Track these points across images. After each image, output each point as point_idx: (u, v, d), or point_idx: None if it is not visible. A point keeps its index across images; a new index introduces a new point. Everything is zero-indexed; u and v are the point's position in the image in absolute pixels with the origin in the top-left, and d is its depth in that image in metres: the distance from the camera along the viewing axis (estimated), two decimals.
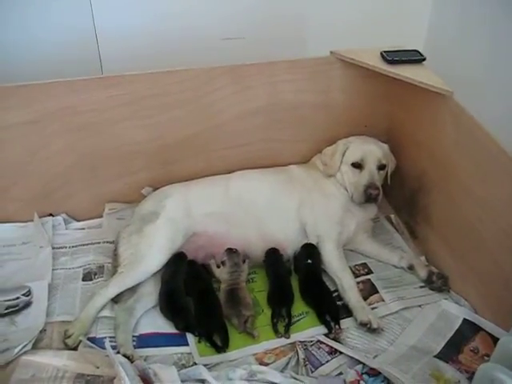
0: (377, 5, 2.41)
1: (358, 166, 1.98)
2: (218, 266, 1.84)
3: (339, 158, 2.01)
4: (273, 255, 1.88)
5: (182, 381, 1.42)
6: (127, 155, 2.04)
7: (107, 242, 1.99)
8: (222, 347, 1.61)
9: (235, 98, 2.02)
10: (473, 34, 2.25)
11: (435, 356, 1.59)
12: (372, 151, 1.98)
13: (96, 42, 2.24)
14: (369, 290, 1.84)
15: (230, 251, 1.85)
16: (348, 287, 1.78)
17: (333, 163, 2.02)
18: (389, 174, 2.04)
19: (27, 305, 1.72)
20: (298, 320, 1.73)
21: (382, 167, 1.99)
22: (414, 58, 1.97)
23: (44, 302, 1.72)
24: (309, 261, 1.84)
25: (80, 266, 1.90)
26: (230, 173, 2.07)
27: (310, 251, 1.87)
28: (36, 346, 1.59)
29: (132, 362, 1.50)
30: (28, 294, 1.74)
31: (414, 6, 2.44)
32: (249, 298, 1.74)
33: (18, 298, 1.71)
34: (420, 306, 1.79)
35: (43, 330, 1.64)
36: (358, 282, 1.83)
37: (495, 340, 1.59)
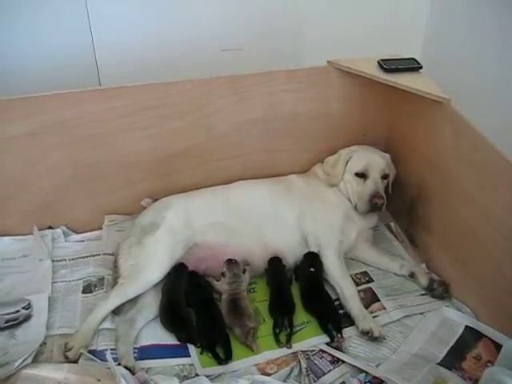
0: (373, 14, 2.43)
1: (361, 175, 1.99)
2: (218, 280, 1.83)
3: (342, 168, 2.02)
4: (275, 264, 1.88)
5: None
6: (127, 167, 2.04)
7: (107, 254, 1.99)
8: (224, 359, 1.60)
9: (234, 109, 2.03)
10: (469, 42, 2.27)
11: (438, 363, 1.59)
12: (376, 161, 2.00)
13: (94, 55, 2.26)
14: (370, 299, 1.84)
15: (230, 262, 1.84)
16: (349, 296, 1.78)
17: (336, 172, 2.03)
18: (390, 183, 2.05)
19: (27, 318, 1.71)
20: (300, 329, 1.73)
21: (385, 176, 2.01)
22: (410, 66, 1.99)
23: (44, 315, 1.71)
24: (311, 269, 1.83)
25: (80, 279, 1.89)
26: (229, 183, 2.07)
27: (313, 260, 1.87)
28: (36, 359, 1.57)
29: (133, 374, 1.49)
30: (28, 307, 1.73)
31: (411, 14, 2.47)
32: (250, 308, 1.73)
33: (17, 311, 1.70)
34: (421, 313, 1.78)
35: (43, 343, 1.63)
36: (359, 291, 1.83)
37: (498, 346, 1.59)
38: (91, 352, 1.61)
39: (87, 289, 1.85)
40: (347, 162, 2.02)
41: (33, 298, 1.76)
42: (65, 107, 1.88)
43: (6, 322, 1.68)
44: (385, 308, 1.80)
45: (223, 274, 1.82)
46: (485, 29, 2.18)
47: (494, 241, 1.64)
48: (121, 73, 2.21)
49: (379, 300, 1.83)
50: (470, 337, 1.67)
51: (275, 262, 1.89)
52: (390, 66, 1.96)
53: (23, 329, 1.68)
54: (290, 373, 1.59)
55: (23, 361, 1.52)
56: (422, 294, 1.86)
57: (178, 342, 1.67)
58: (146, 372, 1.55)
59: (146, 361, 1.61)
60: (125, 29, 2.25)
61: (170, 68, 2.21)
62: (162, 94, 1.95)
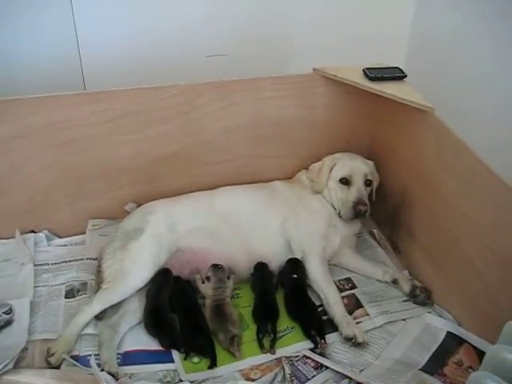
0: (359, 24, 2.45)
1: (345, 182, 2.00)
2: (203, 282, 1.83)
3: (326, 175, 2.03)
4: (261, 270, 1.88)
5: None
6: (111, 171, 2.03)
7: (90, 259, 1.97)
8: (209, 366, 1.59)
9: (220, 114, 2.03)
10: (452, 52, 2.31)
11: (420, 369, 1.60)
12: (359, 168, 2.02)
13: (79, 56, 2.25)
14: (353, 305, 1.85)
15: (215, 267, 1.84)
16: (333, 302, 1.79)
17: (320, 179, 2.04)
18: (374, 190, 2.07)
19: (8, 323, 1.68)
20: (284, 335, 1.73)
21: (368, 183, 2.03)
22: (395, 75, 2.01)
23: (26, 320, 1.69)
24: (294, 275, 1.84)
25: (62, 283, 1.87)
26: (214, 188, 2.07)
27: (295, 266, 1.88)
28: (18, 364, 1.55)
29: (117, 380, 1.49)
30: (9, 311, 1.70)
31: (395, 25, 2.50)
32: (235, 315, 1.73)
33: None
34: (404, 319, 1.80)
35: (25, 349, 1.60)
36: (342, 297, 1.84)
37: (479, 352, 1.61)
38: (74, 357, 1.60)
39: (70, 293, 1.84)
40: (331, 169, 2.04)
41: (14, 303, 1.73)
42: (49, 110, 1.87)
43: None
44: (368, 314, 1.81)
45: (208, 279, 1.81)
46: (468, 39, 2.22)
47: (476, 248, 1.66)
48: (106, 75, 2.20)
49: (362, 306, 1.84)
50: (452, 342, 1.69)
51: (261, 268, 1.89)
52: (374, 74, 1.99)
53: (4, 334, 1.65)
54: (274, 378, 1.59)
55: (4, 366, 1.50)
56: (405, 301, 1.87)
57: (161, 348, 1.66)
58: (130, 378, 1.55)
59: (130, 366, 1.60)
60: (111, 31, 2.23)
61: (156, 72, 2.21)
62: (148, 98, 1.95)
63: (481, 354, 1.48)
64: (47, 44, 2.18)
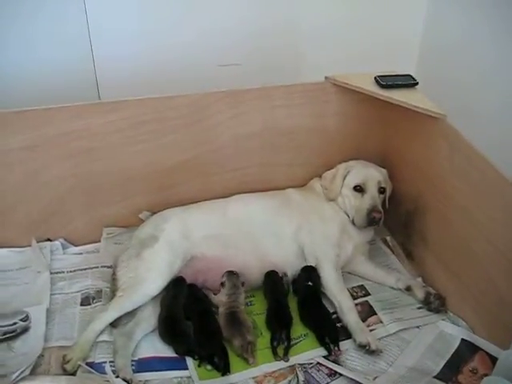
0: (369, 33, 2.47)
1: (359, 189, 2.00)
2: (215, 294, 1.84)
3: (340, 182, 2.04)
4: (272, 278, 1.89)
5: None
6: (125, 180, 2.05)
7: (105, 267, 1.99)
8: (224, 372, 1.60)
9: (232, 123, 2.05)
10: (463, 59, 2.31)
11: (435, 377, 1.59)
12: (373, 175, 2.02)
13: (93, 68, 2.28)
14: (367, 312, 1.85)
15: (230, 273, 1.85)
16: (347, 309, 1.78)
17: (334, 187, 2.05)
18: (387, 198, 2.07)
19: (25, 330, 1.70)
20: (298, 342, 1.73)
21: (382, 191, 2.03)
22: (407, 82, 2.02)
23: (42, 327, 1.71)
24: (309, 283, 1.84)
25: (78, 291, 1.90)
26: (227, 197, 2.08)
27: (310, 274, 1.88)
28: (34, 371, 1.57)
29: None
30: (26, 319, 1.72)
31: (405, 31, 2.51)
32: (249, 321, 1.73)
33: (15, 323, 1.70)
34: (418, 327, 1.79)
35: (41, 356, 1.62)
36: (356, 304, 1.84)
37: (493, 359, 1.60)
38: (89, 364, 1.61)
39: (85, 301, 1.85)
40: (345, 177, 2.04)
41: (31, 310, 1.75)
42: (63, 120, 1.90)
43: (4, 334, 1.67)
44: (381, 321, 1.80)
45: (222, 285, 1.82)
46: (479, 46, 2.22)
47: (489, 254, 1.66)
48: (120, 86, 2.23)
49: (376, 313, 1.84)
50: (466, 350, 1.68)
51: (271, 276, 1.90)
52: (386, 82, 1.99)
53: (21, 341, 1.68)
54: None
55: (21, 373, 1.52)
56: (419, 308, 1.87)
57: (175, 355, 1.67)
58: None
59: (144, 373, 1.61)
60: (124, 42, 2.27)
61: (168, 82, 2.24)
62: (161, 108, 1.97)
63: (495, 362, 1.46)
64: (63, 58, 2.22)
